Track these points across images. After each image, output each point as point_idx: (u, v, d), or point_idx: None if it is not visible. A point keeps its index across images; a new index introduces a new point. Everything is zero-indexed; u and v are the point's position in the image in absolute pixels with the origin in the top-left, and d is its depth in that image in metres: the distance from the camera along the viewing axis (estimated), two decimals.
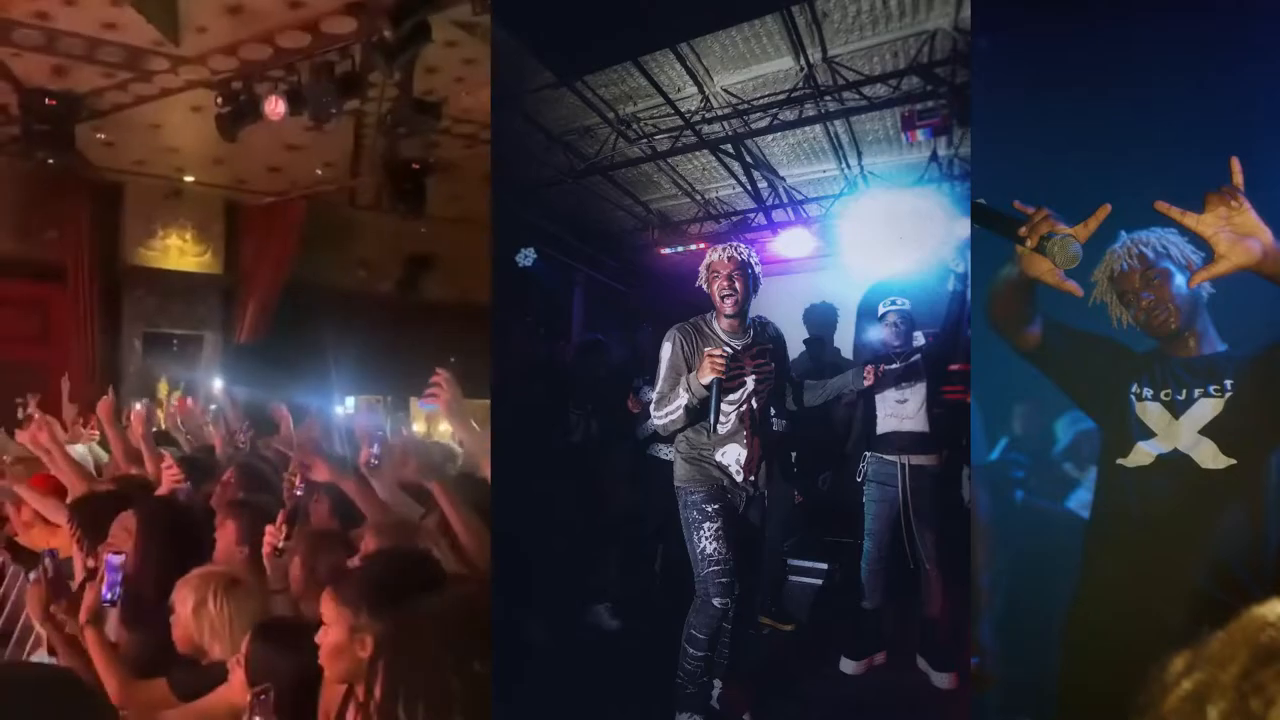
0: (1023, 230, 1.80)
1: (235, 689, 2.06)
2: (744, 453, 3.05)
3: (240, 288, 9.88)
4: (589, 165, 6.12)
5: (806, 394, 3.42)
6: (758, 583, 3.90)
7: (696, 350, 2.99)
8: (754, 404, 3.06)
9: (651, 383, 3.18)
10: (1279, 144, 2.42)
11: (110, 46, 5.98)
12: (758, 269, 3.09)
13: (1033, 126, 2.89)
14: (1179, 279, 2.14)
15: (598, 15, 4.23)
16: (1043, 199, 1.82)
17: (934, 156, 5.77)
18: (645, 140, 5.88)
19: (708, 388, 2.83)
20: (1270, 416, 2.05)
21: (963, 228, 4.36)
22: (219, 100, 6.52)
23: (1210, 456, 2.09)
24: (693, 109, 5.48)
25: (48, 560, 2.57)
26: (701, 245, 5.77)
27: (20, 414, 4.26)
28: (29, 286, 7.87)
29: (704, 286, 3.10)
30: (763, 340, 3.13)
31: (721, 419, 2.94)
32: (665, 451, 3.88)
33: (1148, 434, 2.17)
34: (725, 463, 3.05)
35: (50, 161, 6.33)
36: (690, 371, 2.93)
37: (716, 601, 2.88)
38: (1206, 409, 2.11)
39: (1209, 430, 2.10)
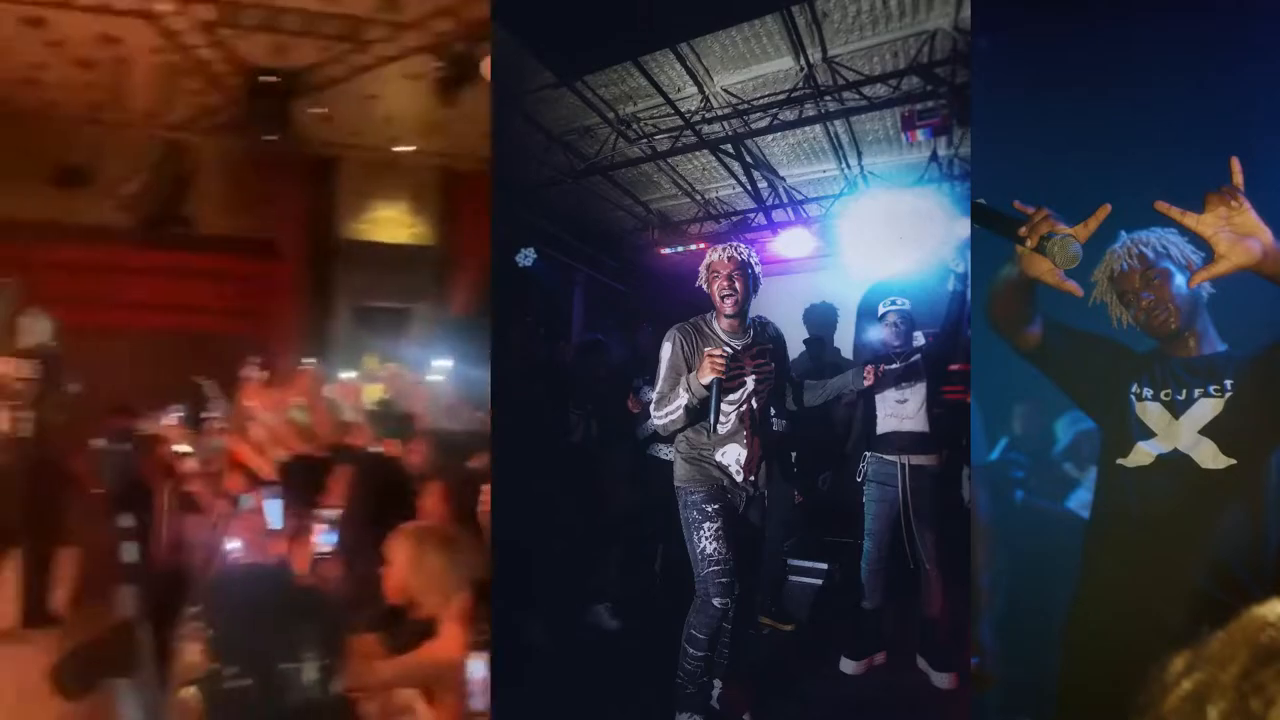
0: (1023, 230, 1.80)
1: (447, 643, 2.13)
2: (744, 453, 3.05)
3: (454, 259, 9.42)
4: (589, 165, 6.12)
5: (806, 394, 3.42)
6: (758, 583, 3.90)
7: (696, 350, 2.99)
8: (754, 404, 3.06)
9: (651, 383, 3.18)
10: (1279, 144, 2.43)
11: (330, 19, 5.88)
12: (758, 269, 3.09)
13: (1033, 126, 2.89)
14: (1179, 279, 2.14)
15: (598, 15, 4.23)
16: (1043, 199, 1.82)
17: (934, 156, 5.76)
18: (645, 140, 5.88)
19: (708, 388, 2.83)
20: (1270, 416, 2.05)
21: (963, 228, 4.35)
22: (437, 65, 6.29)
23: (1210, 456, 2.09)
24: (693, 109, 5.48)
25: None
26: (701, 245, 5.76)
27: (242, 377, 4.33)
28: (244, 262, 7.84)
29: (704, 286, 3.10)
30: (763, 340, 3.13)
31: (721, 419, 2.94)
32: (665, 451, 3.88)
33: (1148, 434, 2.17)
34: (725, 463, 3.05)
35: (269, 139, 6.27)
36: (690, 371, 2.93)
37: (716, 601, 2.88)
38: (1206, 409, 2.11)
39: (1209, 430, 2.10)
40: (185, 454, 4.43)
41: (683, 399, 2.93)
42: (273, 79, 5.97)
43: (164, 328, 6.85)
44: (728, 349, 2.95)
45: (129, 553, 4.13)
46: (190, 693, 1.80)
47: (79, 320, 6.06)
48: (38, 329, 5.40)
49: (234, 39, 5.50)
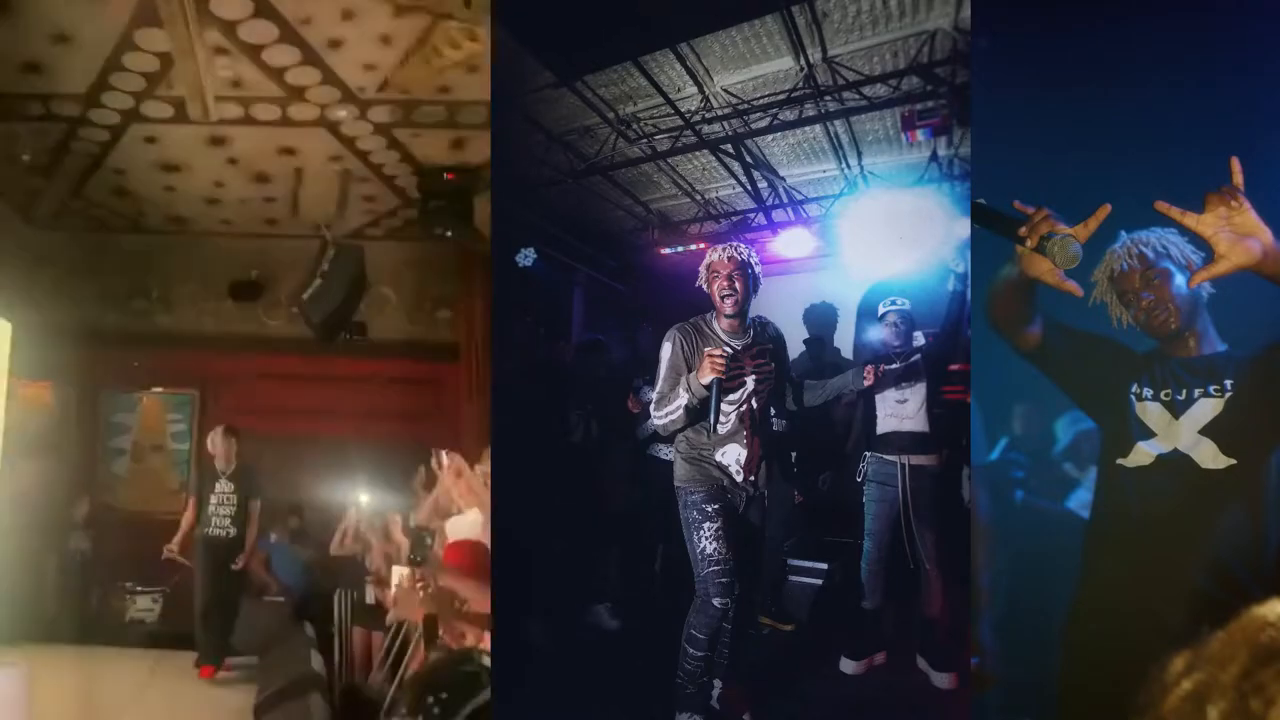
0: (1023, 230, 1.80)
1: None
2: (744, 453, 3.05)
3: None
4: (589, 165, 6.12)
5: (806, 394, 3.42)
6: (758, 583, 3.90)
7: (696, 350, 2.98)
8: (754, 404, 3.06)
9: (651, 383, 3.18)
10: (1279, 144, 2.43)
11: None
12: (758, 269, 3.09)
13: (1033, 126, 2.89)
14: (1179, 279, 2.14)
15: (598, 15, 4.23)
16: (1043, 199, 1.82)
17: (934, 156, 5.76)
18: (645, 140, 5.87)
19: (708, 388, 2.83)
20: (1270, 416, 2.05)
21: (963, 228, 4.35)
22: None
23: (1210, 456, 2.09)
24: (693, 109, 5.48)
25: None
26: (701, 245, 5.76)
27: (430, 468, 4.32)
28: (422, 365, 7.54)
29: (704, 286, 3.10)
30: (763, 340, 3.13)
31: (721, 419, 2.94)
32: (665, 451, 3.88)
33: (1148, 434, 2.17)
34: (725, 463, 3.05)
35: (447, 236, 5.95)
36: (690, 371, 2.93)
37: (716, 601, 2.88)
38: (1206, 409, 2.11)
39: (1209, 430, 2.10)
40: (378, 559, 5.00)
41: (683, 399, 2.93)
42: (450, 176, 5.74)
43: (340, 434, 6.65)
44: (728, 349, 2.95)
45: (315, 662, 4.68)
46: None
47: (255, 428, 6.25)
48: (224, 447, 5.77)
49: (411, 139, 5.34)
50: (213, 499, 5.58)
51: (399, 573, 3.95)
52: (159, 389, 7.34)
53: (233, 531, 5.55)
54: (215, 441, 5.72)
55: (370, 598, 4.91)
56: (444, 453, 3.97)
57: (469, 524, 3.56)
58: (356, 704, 4.05)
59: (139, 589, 6.57)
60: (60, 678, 4.96)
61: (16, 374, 6.38)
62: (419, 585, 2.97)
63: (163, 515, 6.32)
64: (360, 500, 5.76)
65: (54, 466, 6.68)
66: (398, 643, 4.31)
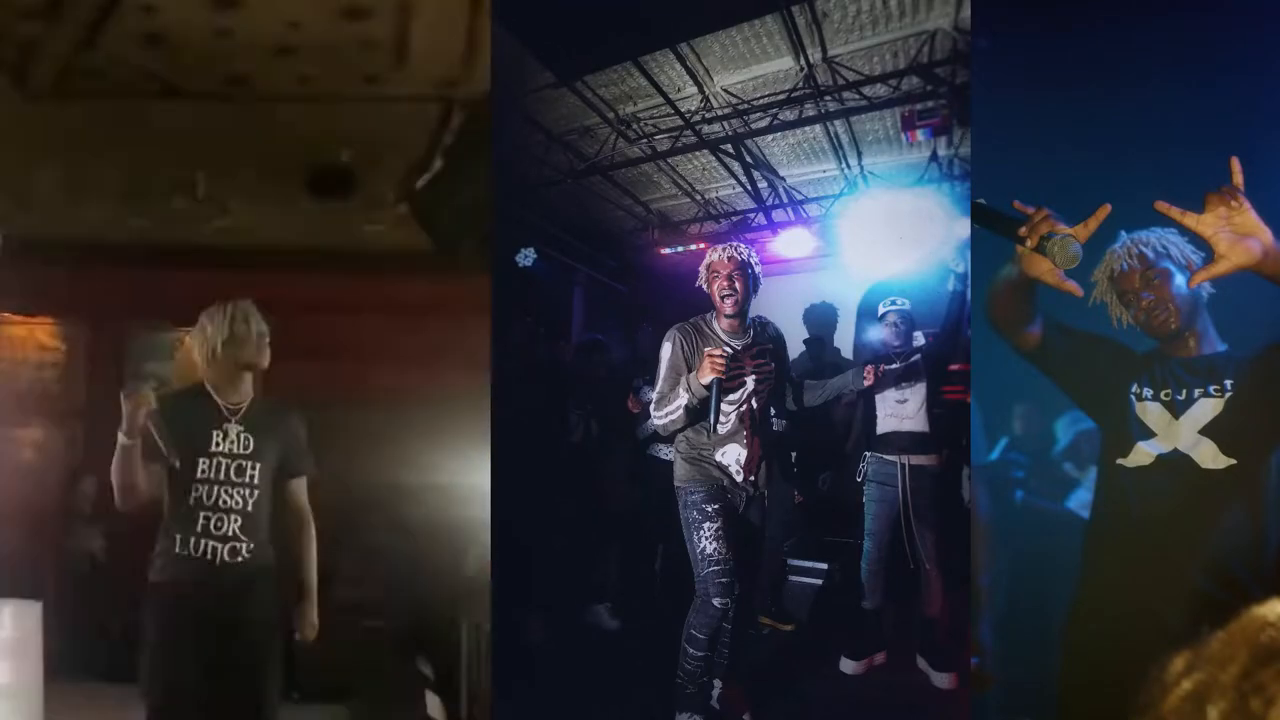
0: (1023, 230, 1.80)
1: None
2: (744, 453, 3.05)
3: None
4: (589, 165, 6.12)
5: (806, 394, 3.42)
6: (758, 583, 3.90)
7: (696, 350, 2.98)
8: (754, 404, 3.06)
9: (651, 383, 3.18)
10: (1279, 144, 2.43)
11: None
12: (758, 269, 3.09)
13: (1033, 126, 2.89)
14: (1179, 279, 2.14)
15: (598, 15, 4.22)
16: (1043, 199, 1.82)
17: (934, 156, 5.77)
18: (645, 140, 5.88)
19: (708, 388, 2.83)
20: (1270, 416, 2.05)
21: (963, 228, 4.36)
22: None
23: (1210, 456, 2.09)
24: (693, 109, 5.48)
25: None
26: (701, 245, 5.77)
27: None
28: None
29: (704, 286, 3.10)
30: (763, 340, 3.13)
31: (721, 419, 2.93)
32: (665, 451, 3.88)
33: (1148, 434, 2.17)
34: (725, 463, 3.05)
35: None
36: (690, 371, 2.93)
37: (716, 601, 2.88)
38: (1206, 409, 2.11)
39: (1209, 430, 2.10)
40: None
41: (683, 399, 2.93)
42: None
43: (469, 388, 3.96)
44: (728, 349, 2.95)
45: (432, 707, 3.55)
46: None
47: (344, 382, 4.28)
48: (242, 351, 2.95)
49: None
50: (201, 470, 2.56)
51: None
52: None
53: (248, 549, 2.57)
54: (219, 329, 2.63)
55: None
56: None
57: None
58: None
59: None
60: None
61: (6, 307, 4.72)
62: None
63: None
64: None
65: (56, 435, 4.80)
66: None
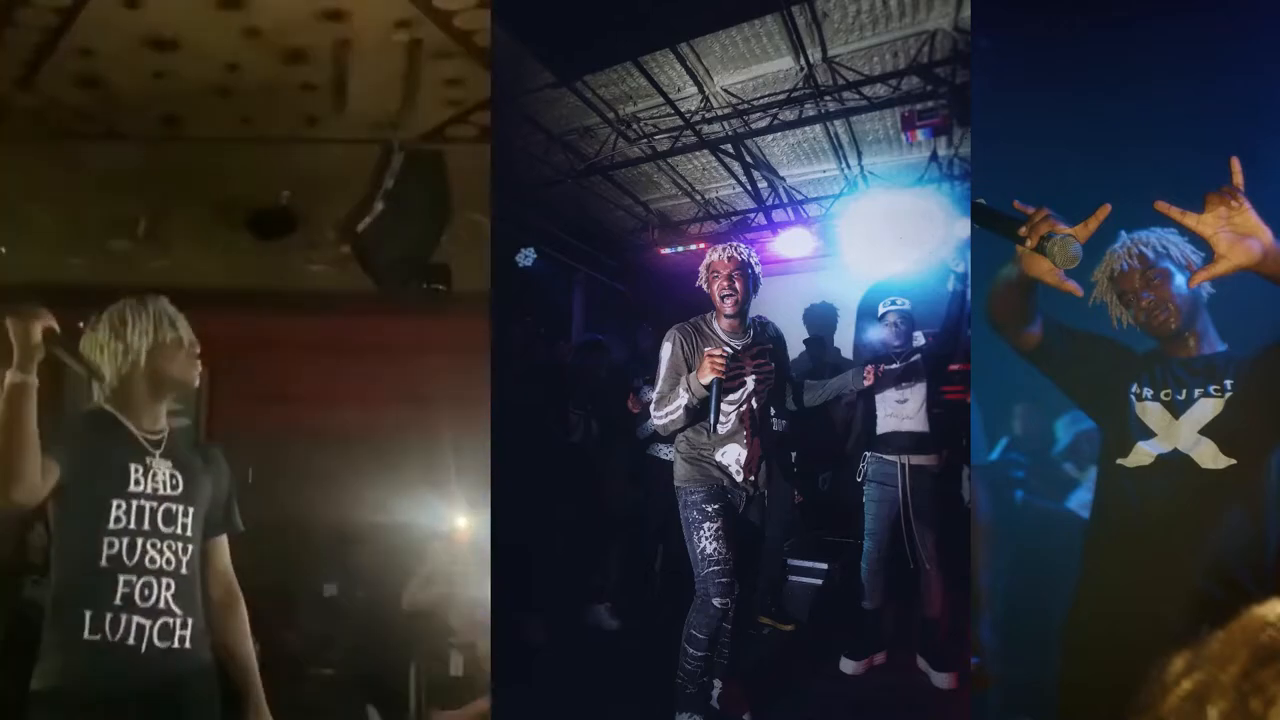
0: (1023, 230, 1.79)
1: None
2: (744, 453, 3.05)
3: None
4: (589, 165, 6.12)
5: (806, 394, 3.42)
6: (758, 583, 3.90)
7: (696, 350, 2.98)
8: (754, 404, 3.06)
9: (651, 383, 3.18)
10: (1279, 144, 2.43)
11: None
12: (758, 269, 3.10)
13: (1033, 126, 2.89)
14: (1179, 279, 2.14)
15: (598, 15, 4.22)
16: (1043, 199, 1.81)
17: (934, 156, 5.77)
18: (645, 140, 5.87)
19: (708, 388, 2.83)
20: (1270, 416, 2.05)
21: (963, 228, 4.36)
22: None
23: (1210, 456, 2.09)
24: (693, 109, 5.48)
25: None
26: (701, 245, 5.76)
27: None
28: None
29: (704, 286, 3.10)
30: (763, 340, 3.13)
31: (721, 419, 2.93)
32: (665, 451, 3.88)
33: (1148, 434, 2.17)
34: (725, 463, 3.05)
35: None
36: (690, 371, 2.93)
37: (716, 601, 2.88)
38: (1206, 409, 2.11)
39: (1209, 430, 2.10)
40: None
41: (683, 399, 2.93)
42: None
43: (411, 430, 4.23)
44: (728, 349, 2.95)
45: None
46: None
47: (288, 421, 4.37)
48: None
49: None
50: (116, 516, 1.90)
51: None
52: None
53: (182, 629, 1.92)
54: (141, 334, 2.02)
55: (456, 666, 3.61)
56: None
57: None
58: None
59: None
60: None
61: None
62: None
63: None
64: (451, 524, 3.94)
65: None
66: None
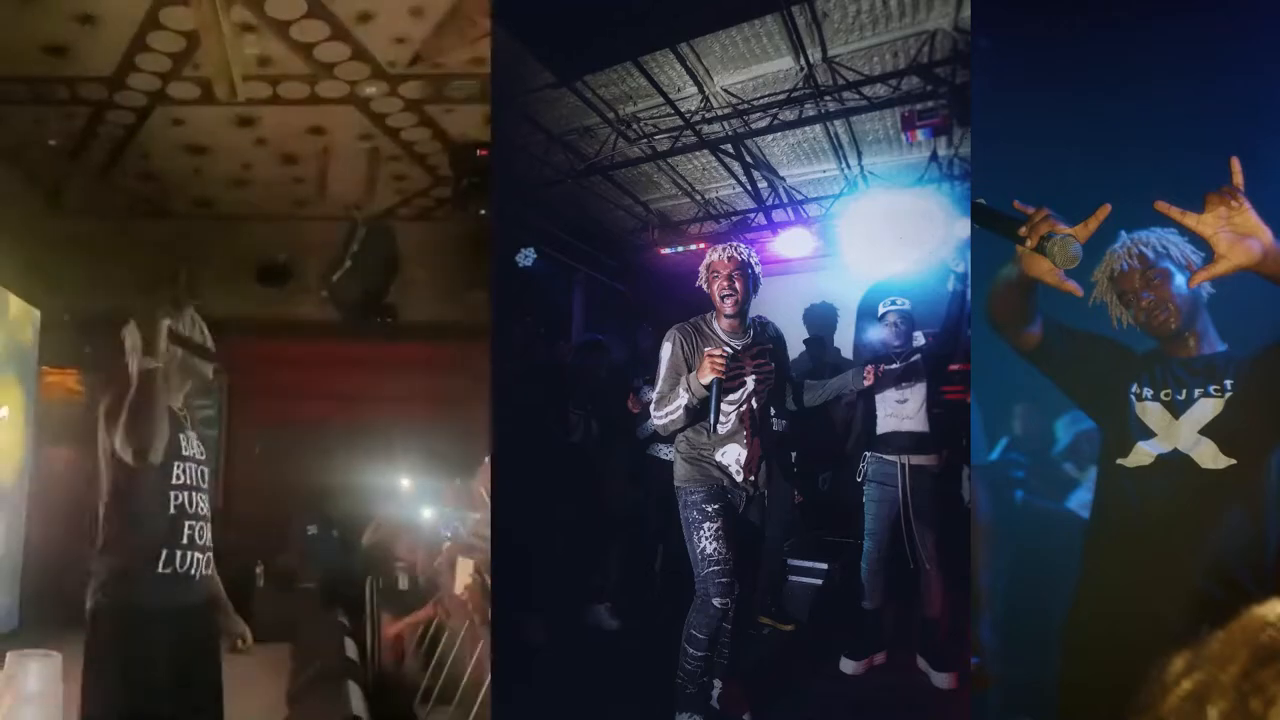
0: (1023, 230, 1.79)
1: None
2: (744, 453, 3.05)
3: None
4: (589, 165, 6.11)
5: (806, 394, 3.42)
6: (758, 583, 3.90)
7: (696, 350, 2.99)
8: (754, 404, 3.06)
9: (651, 383, 3.18)
10: (1279, 144, 2.43)
11: None
12: (758, 269, 3.10)
13: (1033, 126, 2.89)
14: (1179, 279, 2.14)
15: (598, 15, 4.23)
16: (1043, 199, 1.82)
17: (934, 156, 5.76)
18: (645, 140, 5.87)
19: (708, 388, 2.83)
20: (1270, 416, 2.05)
21: (963, 228, 4.35)
22: None
23: (1210, 456, 2.09)
24: (693, 109, 5.48)
25: None
26: (701, 245, 5.75)
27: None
28: (454, 348, 6.99)
29: (704, 286, 3.10)
30: (763, 340, 3.13)
31: (721, 419, 2.93)
32: (665, 451, 3.88)
33: (1148, 434, 2.17)
34: (725, 463, 3.05)
35: (481, 214, 5.73)
36: (690, 371, 2.93)
37: (716, 601, 2.88)
38: (1206, 409, 2.11)
39: (1209, 430, 2.10)
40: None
41: (683, 399, 2.93)
42: (483, 152, 5.47)
43: (371, 420, 6.71)
44: (728, 349, 2.95)
45: (350, 649, 4.29)
46: None
47: (286, 413, 6.30)
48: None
49: (443, 114, 5.19)
50: (176, 474, 2.39)
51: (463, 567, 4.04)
52: None
53: (205, 568, 2.44)
54: (185, 324, 2.47)
55: (402, 583, 4.86)
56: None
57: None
58: (391, 691, 3.99)
59: None
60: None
61: (45, 362, 6.62)
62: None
63: None
64: (396, 485, 5.70)
65: (84, 454, 6.18)
66: (431, 630, 4.47)
